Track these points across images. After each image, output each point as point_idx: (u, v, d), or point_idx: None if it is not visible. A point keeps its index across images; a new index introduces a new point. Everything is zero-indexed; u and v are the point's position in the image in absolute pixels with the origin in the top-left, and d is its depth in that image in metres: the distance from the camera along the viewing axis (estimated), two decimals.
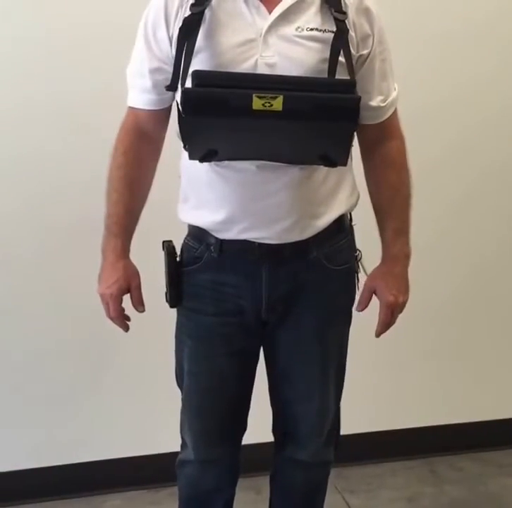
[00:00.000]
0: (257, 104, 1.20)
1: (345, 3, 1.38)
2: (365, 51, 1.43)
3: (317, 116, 1.23)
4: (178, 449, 1.72)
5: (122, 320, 1.56)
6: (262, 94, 1.20)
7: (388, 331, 1.62)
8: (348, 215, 1.58)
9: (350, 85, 1.30)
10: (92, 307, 1.79)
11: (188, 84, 1.33)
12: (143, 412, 2.34)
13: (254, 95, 1.20)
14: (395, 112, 1.54)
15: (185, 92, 1.27)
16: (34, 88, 2.08)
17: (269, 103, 1.20)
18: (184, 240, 1.57)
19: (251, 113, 1.22)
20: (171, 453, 1.82)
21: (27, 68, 2.07)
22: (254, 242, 1.47)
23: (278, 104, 1.20)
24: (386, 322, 1.60)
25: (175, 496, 1.79)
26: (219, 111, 1.24)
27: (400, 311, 1.61)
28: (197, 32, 1.34)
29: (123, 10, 1.98)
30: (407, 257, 1.58)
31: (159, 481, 2.34)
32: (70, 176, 2.14)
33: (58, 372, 2.27)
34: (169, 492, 2.29)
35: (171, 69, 1.38)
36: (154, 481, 2.36)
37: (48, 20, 2.06)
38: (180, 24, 1.35)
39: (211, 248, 1.50)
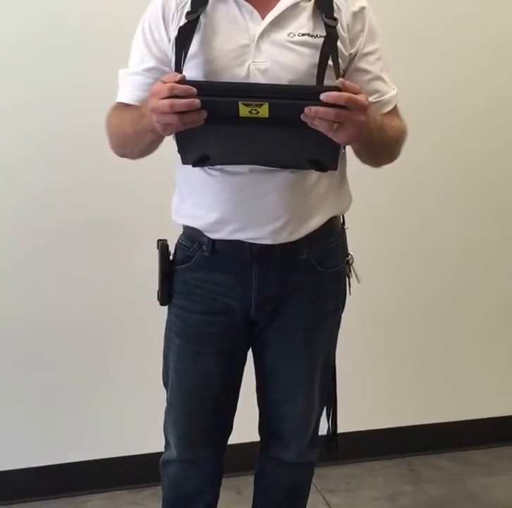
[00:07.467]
0: (243, 111, 1.22)
1: (338, 8, 1.40)
2: (354, 50, 1.43)
3: (304, 123, 1.24)
4: (159, 449, 1.72)
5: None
6: (248, 102, 1.21)
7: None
8: (340, 218, 1.59)
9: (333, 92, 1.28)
10: (83, 308, 1.80)
11: None
12: (124, 413, 2.33)
13: (240, 103, 1.21)
14: (395, 110, 1.50)
15: None
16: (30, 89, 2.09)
17: (256, 110, 1.22)
18: (178, 240, 1.58)
19: (238, 121, 1.23)
20: (152, 453, 1.82)
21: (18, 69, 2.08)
22: (245, 242, 1.48)
23: (264, 111, 1.22)
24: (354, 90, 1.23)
25: (157, 496, 1.79)
26: (208, 119, 1.25)
27: (359, 109, 1.23)
28: (191, 40, 1.36)
29: (120, 9, 1.98)
30: (374, 121, 1.35)
31: (140, 481, 2.34)
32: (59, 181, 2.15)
33: (38, 373, 2.26)
34: (151, 492, 2.30)
35: (166, 70, 1.39)
36: (136, 481, 2.36)
37: (48, 18, 2.06)
38: (176, 33, 1.38)
39: (204, 247, 1.51)
